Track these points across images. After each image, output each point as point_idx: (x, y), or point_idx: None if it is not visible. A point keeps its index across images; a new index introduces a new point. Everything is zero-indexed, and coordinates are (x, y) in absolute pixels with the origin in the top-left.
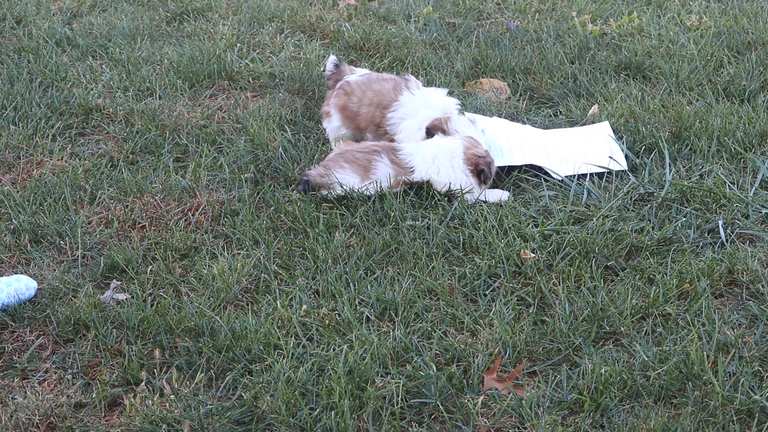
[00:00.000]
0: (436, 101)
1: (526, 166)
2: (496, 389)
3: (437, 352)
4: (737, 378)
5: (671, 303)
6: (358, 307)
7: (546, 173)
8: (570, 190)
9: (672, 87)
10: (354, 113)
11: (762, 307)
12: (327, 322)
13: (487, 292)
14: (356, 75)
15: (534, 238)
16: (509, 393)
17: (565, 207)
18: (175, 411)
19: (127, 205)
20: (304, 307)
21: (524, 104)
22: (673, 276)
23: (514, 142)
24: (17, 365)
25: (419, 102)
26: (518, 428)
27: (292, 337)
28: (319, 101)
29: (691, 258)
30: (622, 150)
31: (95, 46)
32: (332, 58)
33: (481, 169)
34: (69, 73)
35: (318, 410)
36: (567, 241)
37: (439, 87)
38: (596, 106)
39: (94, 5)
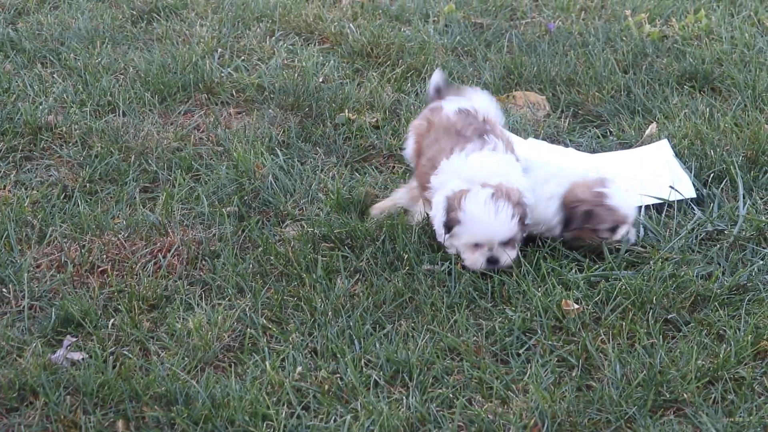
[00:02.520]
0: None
1: None
2: None
3: (460, 423)
4: None
5: (745, 364)
6: (364, 369)
7: None
8: None
9: (747, 101)
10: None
11: None
12: (326, 387)
13: (521, 351)
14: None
15: (578, 286)
16: None
17: (618, 247)
18: None
19: (83, 245)
20: (299, 369)
21: (567, 123)
22: (747, 332)
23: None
24: None
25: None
26: None
27: (284, 405)
28: (317, 118)
29: None
30: (688, 176)
31: (45, 50)
32: (436, 78)
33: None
34: (13, 83)
35: None
36: (618, 289)
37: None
38: (654, 124)
39: (43, 1)
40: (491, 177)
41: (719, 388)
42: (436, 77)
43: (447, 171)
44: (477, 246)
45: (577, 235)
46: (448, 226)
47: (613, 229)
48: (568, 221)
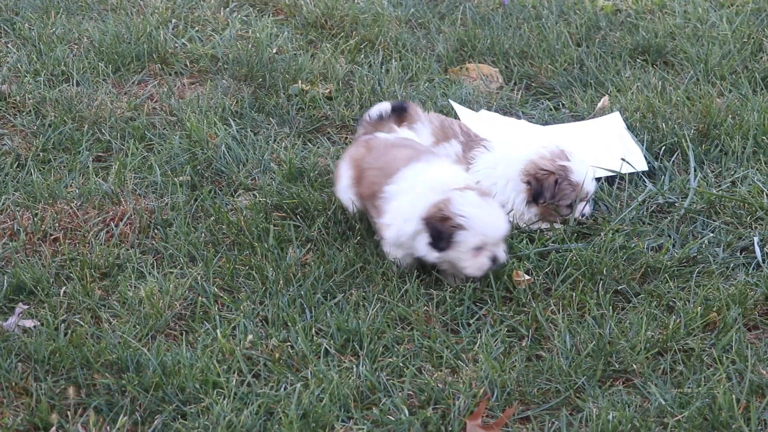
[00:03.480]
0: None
1: None
2: None
3: (410, 392)
4: None
5: (694, 336)
6: (314, 337)
7: None
8: None
9: (699, 75)
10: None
11: None
12: (277, 355)
13: (471, 321)
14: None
15: (529, 257)
16: None
17: (575, 220)
18: None
19: (36, 214)
20: (250, 337)
21: (519, 95)
22: (697, 303)
23: (509, 140)
24: None
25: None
26: None
27: (234, 373)
28: (271, 89)
29: (719, 282)
30: (640, 149)
31: None
32: (384, 106)
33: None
34: None
35: None
36: (569, 261)
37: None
38: (606, 97)
39: None
40: (456, 183)
41: (668, 359)
42: (384, 106)
43: (407, 178)
44: (480, 249)
45: (541, 211)
46: (448, 238)
47: (571, 206)
48: (538, 193)
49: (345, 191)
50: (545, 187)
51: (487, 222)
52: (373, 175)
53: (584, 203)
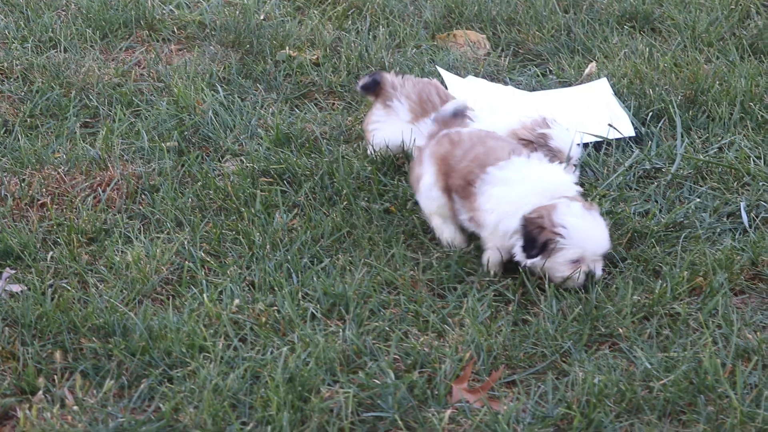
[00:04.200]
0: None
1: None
2: (467, 401)
3: (396, 356)
4: (760, 391)
5: (681, 300)
6: (301, 302)
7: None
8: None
9: (687, 42)
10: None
11: None
12: (263, 319)
13: (457, 286)
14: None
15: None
16: (483, 406)
17: None
18: (79, 425)
19: (23, 179)
20: (237, 301)
21: (507, 61)
22: (683, 268)
23: (494, 107)
24: None
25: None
26: None
27: (221, 337)
28: (258, 55)
29: (705, 247)
30: (627, 115)
31: None
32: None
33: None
34: None
35: (251, 425)
36: None
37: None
38: (594, 63)
39: None
40: (559, 189)
41: (654, 323)
42: (460, 104)
43: (514, 167)
44: (577, 262)
45: None
46: (542, 247)
47: None
48: None
49: (428, 190)
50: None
51: (588, 236)
52: (466, 167)
53: (568, 168)
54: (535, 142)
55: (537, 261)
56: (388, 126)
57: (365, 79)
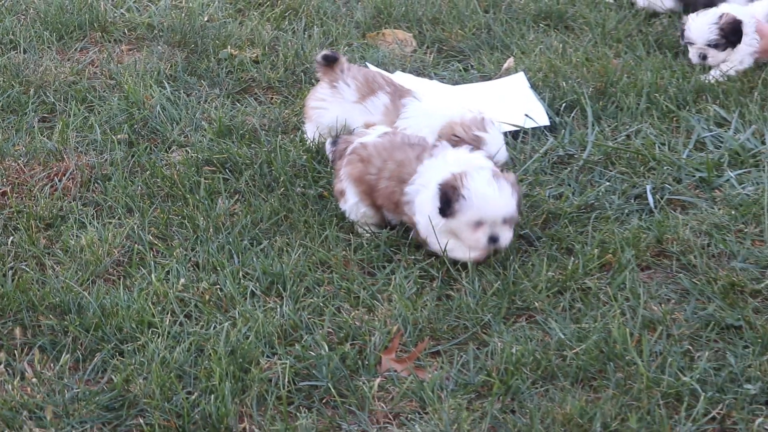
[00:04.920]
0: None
1: None
2: (395, 370)
3: (330, 330)
4: (664, 358)
5: (592, 276)
6: (241, 281)
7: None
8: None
9: (597, 38)
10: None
11: (693, 280)
12: (207, 297)
13: (386, 264)
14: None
15: None
16: (409, 375)
17: None
18: (38, 396)
19: None
20: (182, 281)
21: (432, 57)
22: (594, 246)
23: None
24: None
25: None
26: (419, 413)
27: (168, 314)
28: (202, 54)
29: (615, 226)
30: (542, 106)
31: None
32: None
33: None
34: None
35: (196, 394)
36: None
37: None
38: (512, 59)
39: None
40: (474, 165)
41: (567, 297)
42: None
43: (426, 173)
44: (478, 225)
45: None
46: (448, 205)
47: None
48: None
49: (354, 208)
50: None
51: (487, 199)
52: (386, 187)
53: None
54: (466, 141)
55: (448, 222)
56: (333, 106)
57: (327, 52)
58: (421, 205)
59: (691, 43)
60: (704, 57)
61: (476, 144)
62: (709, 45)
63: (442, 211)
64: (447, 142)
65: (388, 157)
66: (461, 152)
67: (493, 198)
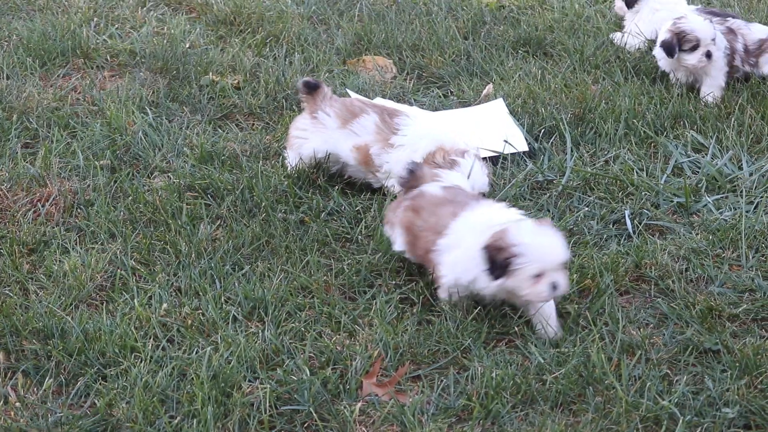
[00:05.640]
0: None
1: None
2: (376, 395)
3: (311, 354)
4: (643, 382)
5: (571, 300)
6: (224, 305)
7: None
8: None
9: (576, 65)
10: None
11: (672, 305)
12: (189, 322)
13: (367, 290)
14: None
15: None
16: (390, 399)
17: None
18: (21, 420)
19: None
20: (164, 305)
21: (411, 84)
22: (573, 271)
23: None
24: None
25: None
26: None
27: (150, 338)
28: (184, 80)
29: (593, 251)
30: (521, 131)
31: None
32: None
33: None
34: None
35: (179, 418)
36: None
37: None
38: (491, 85)
39: None
40: (503, 219)
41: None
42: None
43: (459, 228)
44: (539, 276)
45: None
46: (504, 266)
47: None
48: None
49: (400, 251)
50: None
51: (544, 249)
52: (425, 237)
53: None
54: (443, 167)
55: (503, 283)
56: (315, 137)
57: (309, 79)
58: (449, 265)
59: (697, 46)
60: (710, 55)
61: (450, 166)
62: (713, 39)
63: (493, 273)
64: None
65: (434, 211)
66: (490, 209)
67: (549, 246)
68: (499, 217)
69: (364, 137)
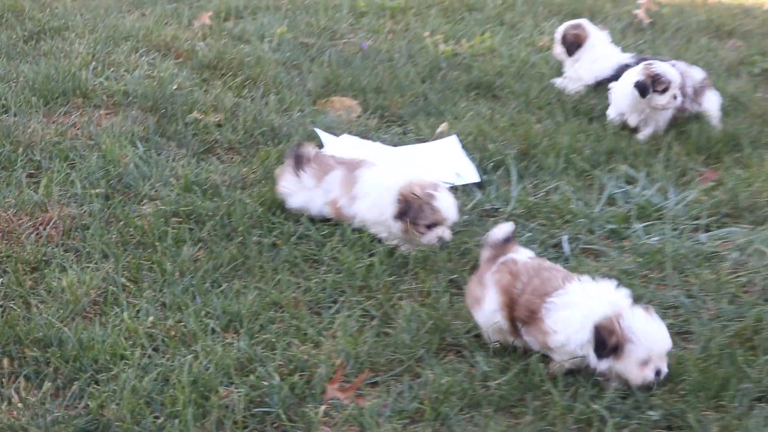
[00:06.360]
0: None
1: None
2: (338, 399)
3: (281, 362)
4: (576, 388)
5: None
6: (203, 318)
7: None
8: None
9: (522, 106)
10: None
11: None
12: (173, 333)
13: (332, 305)
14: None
15: (380, 253)
16: (351, 402)
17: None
18: (23, 419)
19: None
20: (151, 318)
21: (375, 122)
22: None
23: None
24: None
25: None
26: None
27: (138, 347)
28: (171, 118)
29: None
30: (472, 165)
31: None
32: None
33: (403, 208)
34: None
35: (162, 419)
36: (413, 256)
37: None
38: (446, 123)
39: None
40: (614, 301)
41: None
42: (506, 229)
43: (574, 292)
44: (646, 362)
45: (404, 228)
46: (613, 349)
47: (431, 227)
48: (404, 212)
49: (491, 314)
50: (411, 208)
51: (654, 338)
52: (528, 299)
53: (443, 228)
54: (422, 198)
55: (608, 363)
56: (299, 194)
57: (301, 152)
58: (563, 323)
59: (667, 89)
60: (676, 97)
61: (428, 200)
62: (679, 83)
63: (599, 353)
64: (402, 200)
65: (535, 275)
66: (602, 287)
67: (658, 335)
68: (611, 296)
69: (333, 192)
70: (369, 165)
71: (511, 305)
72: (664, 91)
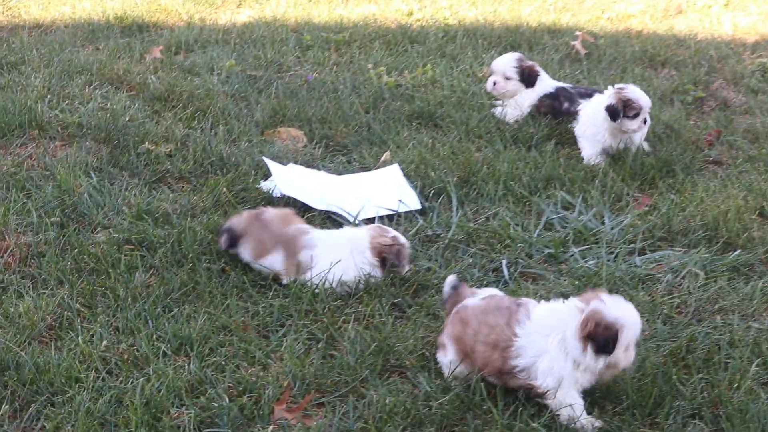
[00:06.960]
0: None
1: (323, 210)
2: (286, 419)
3: (230, 384)
4: (516, 407)
5: None
6: (155, 342)
7: (341, 216)
8: None
9: (462, 134)
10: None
11: None
12: (126, 356)
13: (279, 329)
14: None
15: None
16: (298, 423)
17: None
18: None
19: None
20: (105, 342)
21: (320, 151)
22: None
23: (310, 188)
24: None
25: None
26: None
27: (92, 370)
28: (124, 149)
29: None
30: (414, 192)
31: None
32: (450, 279)
33: (384, 257)
34: None
35: None
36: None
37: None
38: (388, 152)
39: None
40: (583, 301)
41: (434, 356)
42: (452, 279)
43: (535, 340)
44: (629, 345)
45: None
46: (615, 342)
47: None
48: (385, 261)
49: (452, 365)
50: (391, 257)
51: (633, 318)
52: (484, 352)
53: (407, 263)
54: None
55: (610, 356)
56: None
57: (225, 240)
58: (549, 370)
59: (638, 114)
60: (646, 121)
61: (399, 246)
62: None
63: (606, 351)
64: (385, 253)
65: (482, 322)
66: (551, 305)
67: (635, 315)
68: (567, 303)
69: (278, 267)
70: (308, 240)
71: (467, 354)
72: (635, 116)
